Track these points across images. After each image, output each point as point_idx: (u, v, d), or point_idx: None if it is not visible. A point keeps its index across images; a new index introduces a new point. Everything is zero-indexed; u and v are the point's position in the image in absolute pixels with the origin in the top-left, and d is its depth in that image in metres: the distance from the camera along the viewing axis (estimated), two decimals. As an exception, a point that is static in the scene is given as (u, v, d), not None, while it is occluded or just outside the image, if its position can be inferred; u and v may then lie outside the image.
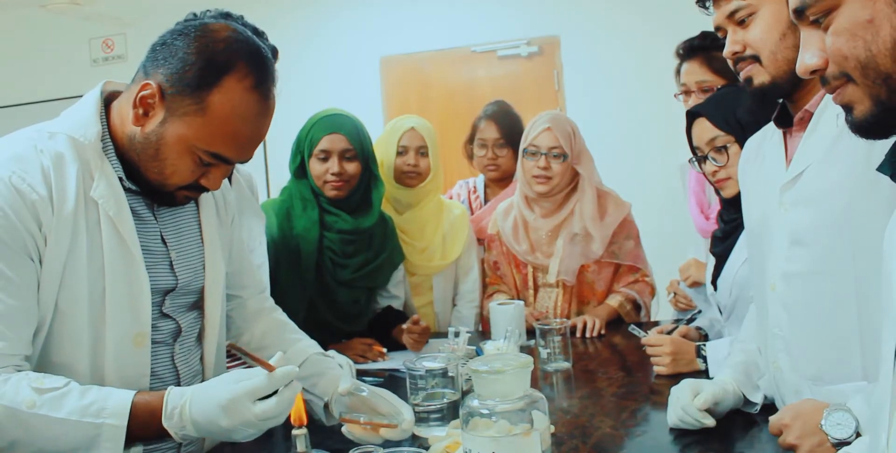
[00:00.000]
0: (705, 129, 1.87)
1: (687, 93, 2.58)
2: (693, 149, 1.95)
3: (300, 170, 2.37)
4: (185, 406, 1.21)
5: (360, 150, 2.36)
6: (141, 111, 1.30)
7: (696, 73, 2.53)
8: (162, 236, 1.42)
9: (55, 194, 1.25)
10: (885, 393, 0.89)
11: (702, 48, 2.53)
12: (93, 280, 1.28)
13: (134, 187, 1.36)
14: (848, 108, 0.89)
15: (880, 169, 0.90)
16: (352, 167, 2.34)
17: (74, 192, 1.27)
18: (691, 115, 1.93)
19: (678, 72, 2.64)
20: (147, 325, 1.36)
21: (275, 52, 1.60)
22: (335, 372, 1.59)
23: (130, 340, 1.33)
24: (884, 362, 0.90)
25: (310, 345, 1.67)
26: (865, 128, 0.88)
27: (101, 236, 1.29)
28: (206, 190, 1.39)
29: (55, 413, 1.18)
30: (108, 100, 1.39)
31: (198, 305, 1.50)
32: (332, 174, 2.31)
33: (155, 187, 1.35)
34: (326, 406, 1.55)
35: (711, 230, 2.53)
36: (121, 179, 1.34)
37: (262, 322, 1.70)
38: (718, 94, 2.00)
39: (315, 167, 2.33)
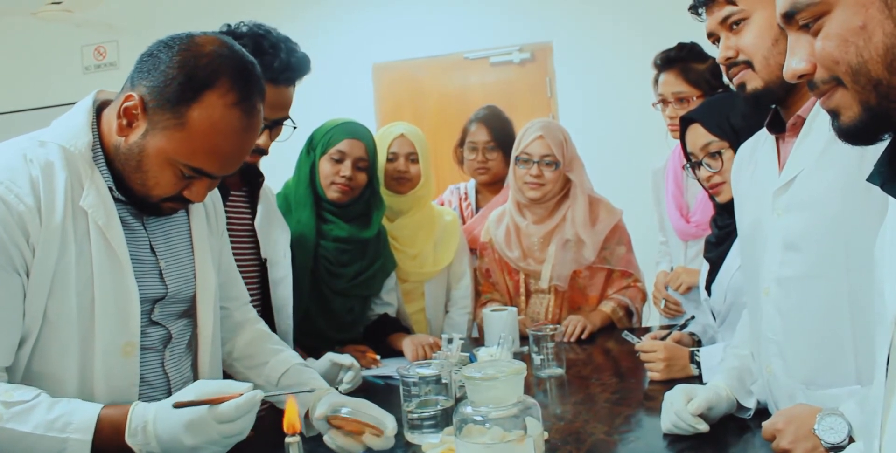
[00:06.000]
0: (699, 135, 1.88)
1: (664, 102, 2.66)
2: (687, 154, 1.95)
3: (311, 170, 2.37)
4: (148, 424, 1.20)
5: (372, 165, 2.39)
6: (125, 122, 1.30)
7: (672, 84, 2.62)
8: (151, 245, 1.41)
9: (43, 204, 1.25)
10: (877, 399, 0.89)
11: (678, 60, 2.62)
12: (82, 289, 1.27)
13: (122, 197, 1.36)
14: (835, 114, 0.89)
15: (870, 179, 0.90)
16: (361, 176, 2.35)
17: (63, 202, 1.26)
18: (685, 121, 1.94)
19: (656, 81, 2.71)
20: (136, 335, 1.35)
21: (306, 59, 1.79)
22: (316, 383, 1.59)
23: (119, 350, 1.33)
24: (877, 368, 0.90)
25: (291, 356, 1.67)
26: (852, 134, 0.88)
27: (91, 245, 1.29)
28: (191, 202, 1.39)
29: (21, 427, 1.17)
30: (100, 109, 1.39)
31: (189, 313, 1.50)
32: (342, 176, 2.31)
33: (140, 198, 1.35)
34: (307, 416, 1.54)
35: (691, 232, 2.56)
36: (110, 189, 1.33)
37: (245, 332, 1.70)
38: (712, 100, 2.01)
39: (325, 167, 2.34)
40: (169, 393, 1.40)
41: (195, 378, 1.52)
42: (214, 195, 1.64)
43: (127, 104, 1.29)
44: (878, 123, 0.85)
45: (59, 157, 1.29)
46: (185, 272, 1.48)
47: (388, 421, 1.44)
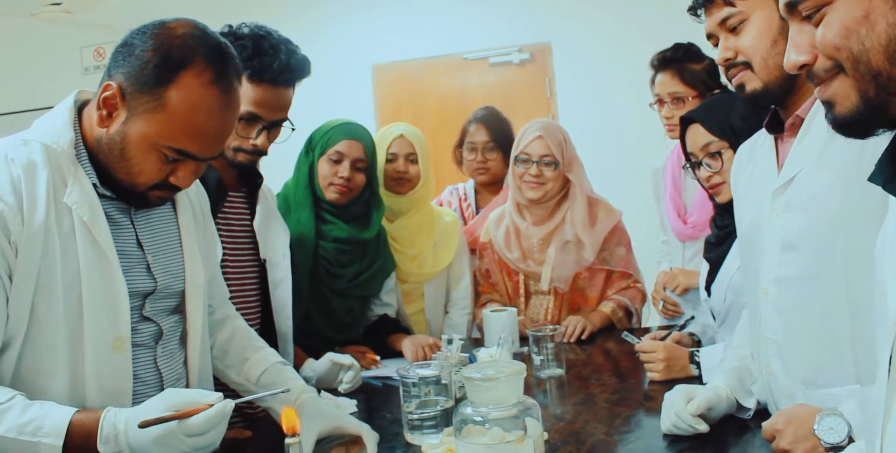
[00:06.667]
0: (699, 135, 1.88)
1: (660, 102, 2.67)
2: (687, 155, 1.95)
3: (309, 170, 2.37)
4: (120, 433, 1.20)
5: (371, 166, 2.39)
6: (105, 112, 1.31)
7: (668, 84, 2.63)
8: (138, 239, 1.41)
9: (25, 202, 1.25)
10: (879, 400, 0.89)
11: (674, 60, 2.64)
12: (68, 286, 1.28)
13: (108, 193, 1.36)
14: (830, 105, 0.88)
15: (872, 179, 0.90)
16: (359, 177, 2.35)
17: (45, 199, 1.27)
18: (685, 121, 1.94)
19: (652, 82, 2.73)
20: (126, 330, 1.35)
21: (306, 62, 1.81)
22: (295, 383, 1.60)
23: (109, 345, 1.32)
24: (879, 368, 0.90)
25: (271, 354, 1.68)
26: (847, 125, 0.87)
27: (76, 242, 1.29)
28: (178, 189, 1.39)
29: None
30: (82, 108, 1.40)
31: (179, 309, 1.50)
32: (340, 177, 2.31)
33: (126, 188, 1.35)
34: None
35: (688, 233, 2.57)
36: (95, 186, 1.34)
37: (225, 328, 1.71)
38: (712, 100, 2.01)
39: (324, 168, 2.34)
40: (162, 390, 1.40)
41: (187, 374, 1.52)
42: (201, 195, 1.65)
43: (105, 94, 1.29)
44: (874, 115, 0.84)
45: (41, 155, 1.29)
46: (174, 266, 1.48)
47: (370, 441, 1.47)
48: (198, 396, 1.23)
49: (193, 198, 1.60)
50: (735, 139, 1.77)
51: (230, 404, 1.22)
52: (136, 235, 1.42)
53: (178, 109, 1.28)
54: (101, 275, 1.31)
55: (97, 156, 1.35)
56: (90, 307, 1.29)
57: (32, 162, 1.28)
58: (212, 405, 1.21)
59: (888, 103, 0.82)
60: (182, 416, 1.18)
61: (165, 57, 1.28)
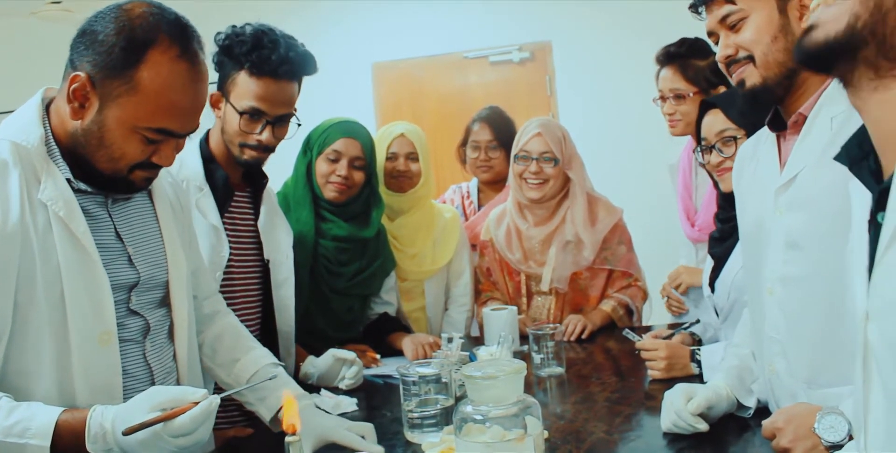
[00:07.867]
0: (717, 121, 1.88)
1: (662, 98, 2.63)
2: (699, 139, 1.94)
3: (307, 169, 2.37)
4: (108, 433, 1.19)
5: (369, 163, 2.38)
6: (77, 104, 1.30)
7: (670, 80, 2.59)
8: (117, 232, 1.41)
9: None
10: (858, 401, 0.89)
11: (678, 56, 2.58)
12: (49, 282, 1.27)
13: (83, 187, 1.35)
14: (812, 27, 0.88)
15: (837, 158, 0.89)
16: (358, 175, 2.34)
17: (18, 198, 1.26)
18: (705, 105, 1.93)
19: (657, 77, 2.68)
20: (112, 323, 1.34)
21: (308, 56, 1.84)
22: (289, 387, 1.59)
23: (95, 340, 1.32)
24: (855, 369, 0.91)
25: (262, 355, 1.66)
26: (811, 50, 0.87)
27: (54, 238, 1.28)
28: (160, 167, 1.39)
29: None
30: (50, 105, 1.39)
31: (165, 302, 1.50)
32: (338, 176, 2.30)
33: (109, 176, 1.35)
34: (275, 418, 1.56)
35: (695, 237, 2.55)
36: (69, 181, 1.33)
37: (216, 325, 1.70)
38: (736, 89, 2.01)
39: (321, 167, 2.33)
40: (153, 385, 1.40)
41: (177, 368, 1.51)
42: (177, 186, 1.66)
43: (74, 86, 1.29)
44: (845, 44, 0.84)
45: (10, 154, 1.29)
46: (156, 256, 1.47)
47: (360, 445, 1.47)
48: (183, 394, 1.22)
49: (169, 188, 1.60)
50: (752, 129, 1.76)
51: (216, 400, 1.22)
52: (115, 227, 1.41)
53: (152, 89, 1.28)
54: (82, 269, 1.30)
55: (74, 149, 1.34)
56: (73, 302, 1.29)
57: (3, 161, 1.28)
58: (197, 403, 1.20)
59: (874, 30, 0.82)
60: (166, 418, 1.18)
61: (130, 38, 1.28)
